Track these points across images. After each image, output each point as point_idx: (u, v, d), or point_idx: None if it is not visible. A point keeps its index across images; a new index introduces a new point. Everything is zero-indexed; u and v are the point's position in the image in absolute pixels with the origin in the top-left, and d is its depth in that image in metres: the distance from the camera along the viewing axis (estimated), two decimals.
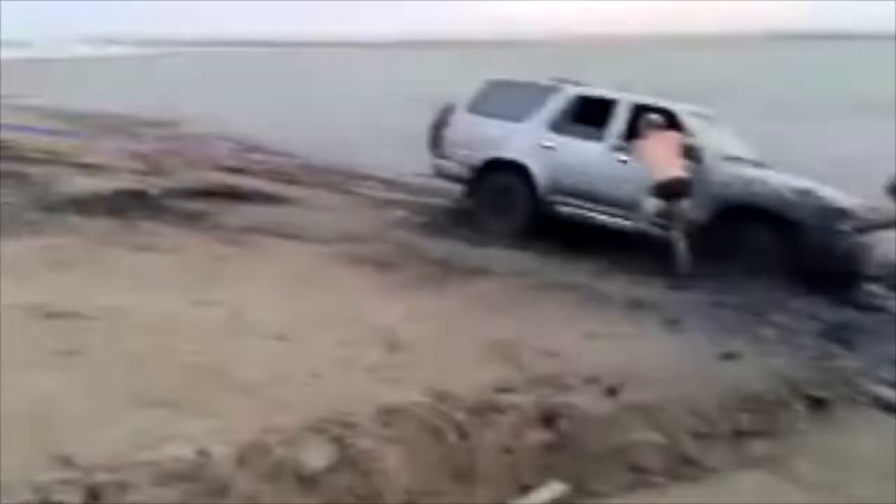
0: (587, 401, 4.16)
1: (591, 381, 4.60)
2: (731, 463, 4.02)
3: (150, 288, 5.99)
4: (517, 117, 9.51)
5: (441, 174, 10.21)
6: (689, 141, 8.35)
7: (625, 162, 8.75)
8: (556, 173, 9.13)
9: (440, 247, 8.40)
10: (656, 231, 8.37)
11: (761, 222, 7.90)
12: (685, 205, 8.12)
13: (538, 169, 9.22)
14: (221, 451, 3.20)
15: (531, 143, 9.33)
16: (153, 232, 7.86)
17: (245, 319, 5.43)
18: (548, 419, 3.94)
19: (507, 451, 3.74)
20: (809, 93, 27.13)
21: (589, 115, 9.17)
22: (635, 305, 6.79)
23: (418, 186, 12.08)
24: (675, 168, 8.17)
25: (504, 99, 9.72)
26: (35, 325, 4.99)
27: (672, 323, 6.36)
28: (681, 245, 8.03)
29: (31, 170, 10.63)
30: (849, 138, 16.10)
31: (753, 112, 17.32)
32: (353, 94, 28.68)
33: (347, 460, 3.48)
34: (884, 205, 7.89)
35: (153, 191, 9.83)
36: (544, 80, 9.92)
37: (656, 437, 4.02)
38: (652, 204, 8.27)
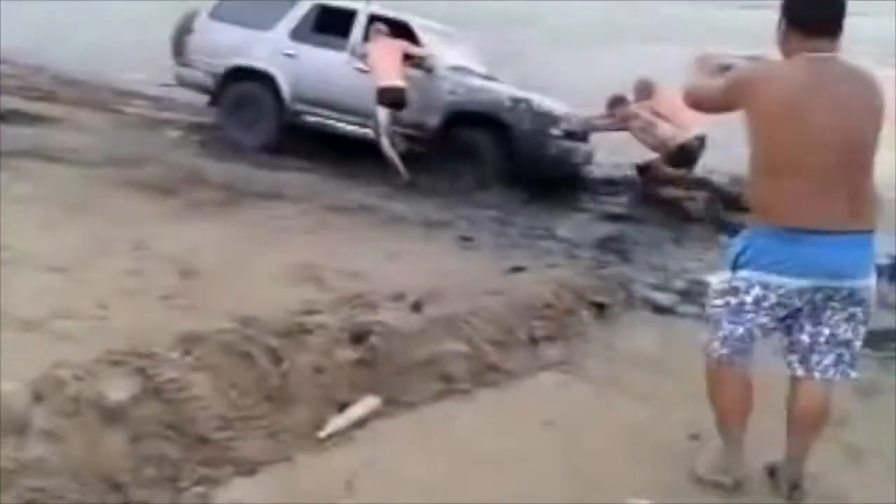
0: (394, 317, 4.20)
1: (396, 298, 4.67)
2: (529, 367, 4.27)
3: None
4: (261, 25, 9.51)
5: (184, 83, 10.12)
6: (415, 50, 8.86)
7: (365, 71, 8.99)
8: (301, 82, 9.25)
9: (223, 169, 8.06)
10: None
11: (482, 126, 8.62)
12: (403, 113, 8.66)
13: (282, 77, 9.29)
14: (11, 388, 2.92)
15: (275, 51, 9.38)
16: None
17: (14, 251, 4.92)
18: (357, 337, 3.95)
19: (320, 370, 3.72)
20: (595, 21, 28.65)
21: (331, 25, 9.37)
22: (430, 224, 6.94)
23: (196, 105, 11.40)
24: (393, 76, 8.58)
25: (248, 6, 9.64)
26: None
27: (468, 240, 6.59)
28: (389, 152, 8.64)
29: None
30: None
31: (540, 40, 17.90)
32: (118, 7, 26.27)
33: (152, 391, 3.29)
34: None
35: None
36: None
37: (461, 347, 4.16)
38: (381, 112, 8.64)
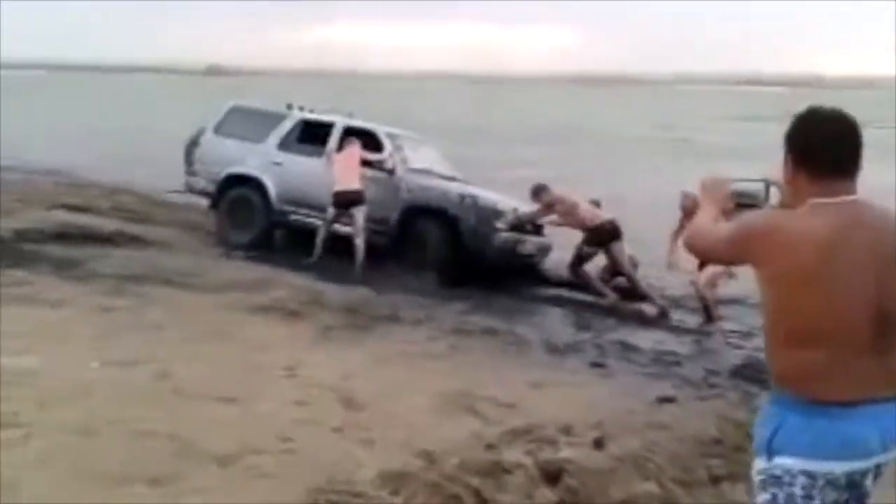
0: (579, 454, 4.16)
1: (565, 431, 4.63)
2: None
3: (50, 347, 5.41)
4: (255, 138, 10.89)
5: (192, 190, 11.53)
6: (372, 156, 10.02)
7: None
8: (285, 186, 10.54)
9: (339, 291, 8.20)
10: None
11: (432, 219, 9.73)
12: (359, 212, 9.63)
13: (270, 182, 10.59)
14: None
15: (264, 160, 10.71)
16: (25, 282, 7.12)
17: (176, 380, 5.01)
18: (551, 476, 3.91)
19: None
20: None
21: (312, 136, 10.71)
22: (556, 349, 6.95)
23: None
24: (348, 181, 9.69)
25: (244, 122, 11.12)
26: None
27: (599, 365, 6.57)
28: (319, 240, 9.78)
29: None
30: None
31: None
32: (154, 121, 27.52)
33: None
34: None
35: (7, 235, 8.87)
36: (277, 107, 11.38)
37: (651, 488, 4.08)
38: (329, 211, 9.78)
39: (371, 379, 5.47)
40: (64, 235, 9.52)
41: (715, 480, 4.43)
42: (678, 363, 6.96)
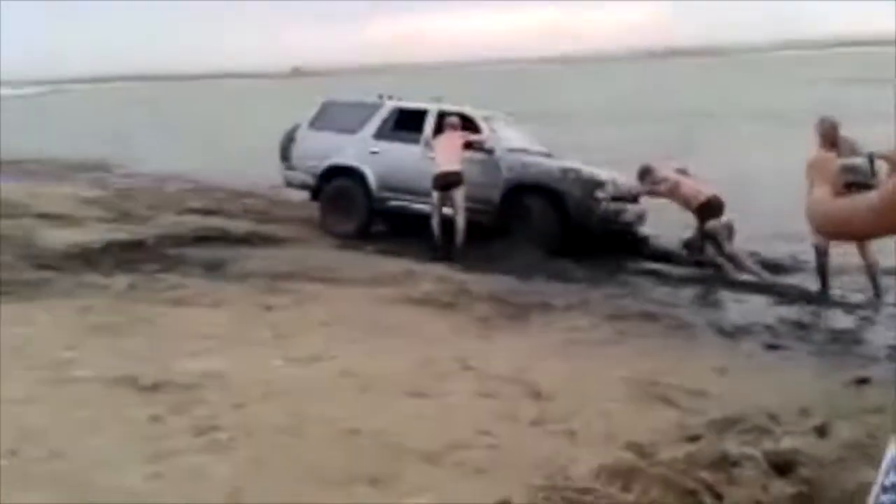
0: (805, 443, 3.93)
1: (773, 419, 4.39)
2: None
3: (227, 347, 5.47)
4: (350, 130, 11.14)
5: (291, 184, 11.88)
6: (473, 137, 10.18)
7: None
8: (384, 174, 10.76)
9: (482, 280, 8.11)
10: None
11: (536, 194, 9.95)
12: (458, 193, 9.77)
13: (369, 171, 10.83)
14: None
15: (362, 150, 10.95)
16: (179, 285, 7.29)
17: (360, 375, 4.99)
18: (782, 468, 3.69)
19: None
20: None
21: (407, 123, 10.91)
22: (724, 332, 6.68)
23: None
24: (449, 163, 9.80)
25: (338, 115, 11.43)
26: (135, 401, 4.43)
27: (775, 347, 6.26)
28: (435, 229, 9.89)
29: None
30: None
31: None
32: (253, 124, 28.08)
33: None
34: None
35: (149, 240, 9.14)
36: (370, 98, 11.62)
37: None
38: (434, 195, 9.90)
39: (548, 369, 5.32)
40: (202, 238, 9.75)
41: None
42: (857, 341, 6.57)
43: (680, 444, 4.12)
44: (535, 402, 4.72)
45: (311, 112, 11.69)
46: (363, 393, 4.72)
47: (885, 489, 2.04)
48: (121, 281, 7.25)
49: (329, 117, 11.50)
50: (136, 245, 8.90)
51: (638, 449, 4.01)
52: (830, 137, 7.64)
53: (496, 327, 6.48)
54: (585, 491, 3.46)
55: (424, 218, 10.14)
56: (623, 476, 3.56)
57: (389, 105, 11.28)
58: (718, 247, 9.32)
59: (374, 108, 11.32)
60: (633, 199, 10.33)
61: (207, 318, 6.31)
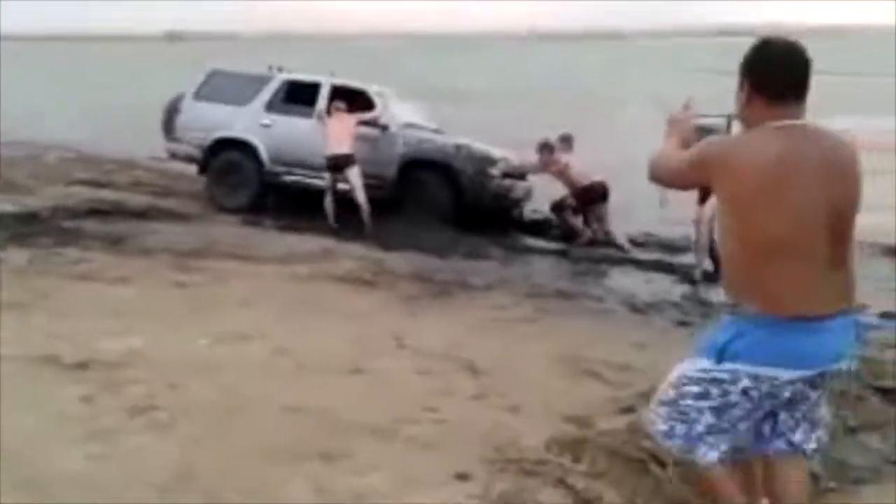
0: None
1: None
2: None
3: (145, 325, 5.30)
4: (239, 101, 10.93)
5: (174, 156, 11.62)
6: (366, 116, 10.30)
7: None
8: (276, 147, 10.68)
9: (400, 259, 8.14)
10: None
11: (430, 170, 10.18)
12: (353, 172, 9.96)
13: (261, 144, 10.70)
14: None
15: (253, 122, 10.80)
16: (83, 259, 6.99)
17: (293, 353, 4.95)
18: None
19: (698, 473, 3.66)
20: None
21: (299, 96, 10.84)
22: (637, 308, 6.95)
23: None
24: (339, 145, 9.96)
25: (227, 86, 11.16)
26: (62, 380, 4.26)
27: (685, 324, 6.58)
28: (328, 207, 10.02)
29: None
30: None
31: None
32: (128, 92, 26.98)
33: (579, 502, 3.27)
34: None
35: (42, 213, 8.67)
36: (259, 69, 11.43)
37: None
38: (326, 176, 10.09)
39: (478, 346, 5.41)
40: (97, 211, 9.34)
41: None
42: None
43: (616, 416, 4.30)
44: (473, 377, 4.81)
45: (196, 81, 11.37)
46: (299, 371, 4.69)
47: (662, 402, 2.74)
48: (17, 255, 6.87)
49: (216, 88, 11.21)
50: (29, 217, 8.43)
51: (578, 421, 4.17)
52: None
53: (421, 305, 6.52)
54: (539, 462, 3.58)
55: (319, 193, 10.20)
56: (572, 448, 3.70)
57: (281, 77, 11.14)
58: (600, 223, 10.01)
59: (265, 79, 11.15)
60: (522, 176, 10.71)
61: (116, 294, 6.07)
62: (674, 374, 2.72)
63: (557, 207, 10.48)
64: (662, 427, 2.71)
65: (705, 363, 2.57)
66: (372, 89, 10.90)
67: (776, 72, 2.50)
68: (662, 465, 3.64)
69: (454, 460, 3.63)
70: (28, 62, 47.03)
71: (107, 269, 6.75)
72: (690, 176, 2.67)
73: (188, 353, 4.83)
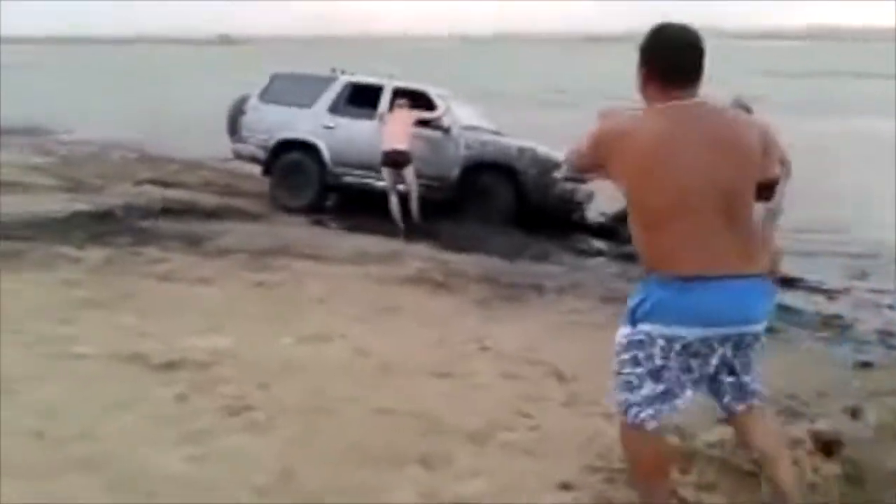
0: (841, 425, 4.03)
1: (795, 399, 4.50)
2: None
3: (229, 325, 5.31)
4: (303, 103, 11.09)
5: (240, 157, 11.78)
6: (427, 115, 10.33)
7: None
8: (339, 148, 10.79)
9: (469, 261, 8.08)
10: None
11: (493, 173, 10.21)
12: (408, 171, 9.94)
13: (324, 145, 10.83)
14: None
15: (316, 124, 10.95)
16: (163, 259, 7.05)
17: (375, 354, 4.91)
18: (828, 450, 3.76)
19: (812, 486, 3.53)
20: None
21: (362, 98, 10.99)
22: None
23: None
24: (395, 141, 9.90)
25: (291, 88, 11.35)
26: (153, 380, 4.27)
27: (772, 331, 6.37)
28: (393, 208, 10.01)
29: None
30: None
31: None
32: (187, 92, 27.40)
33: None
34: None
35: (117, 211, 8.80)
36: (323, 72, 11.57)
37: None
38: (385, 172, 10.04)
39: (560, 350, 5.30)
40: (169, 211, 9.46)
41: None
42: (848, 326, 6.76)
43: (716, 426, 4.16)
44: (561, 383, 4.71)
45: (258, 83, 11.56)
46: (384, 373, 4.64)
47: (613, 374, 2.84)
48: (96, 254, 6.96)
49: (280, 90, 11.38)
50: (103, 216, 8.58)
51: (677, 431, 4.04)
52: None
53: (495, 308, 6.44)
54: None
55: (379, 194, 10.26)
56: (678, 458, 3.58)
57: (343, 79, 11.28)
58: None
59: (328, 81, 11.30)
60: (583, 179, 10.37)
61: (199, 294, 6.11)
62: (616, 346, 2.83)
63: (621, 218, 10.15)
64: (617, 397, 2.82)
65: (626, 329, 2.72)
66: (433, 91, 10.97)
67: (666, 56, 2.65)
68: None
69: (555, 468, 3.54)
70: (81, 62, 48.30)
71: (188, 268, 6.80)
72: (591, 158, 2.78)
73: (273, 352, 4.82)
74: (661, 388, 2.70)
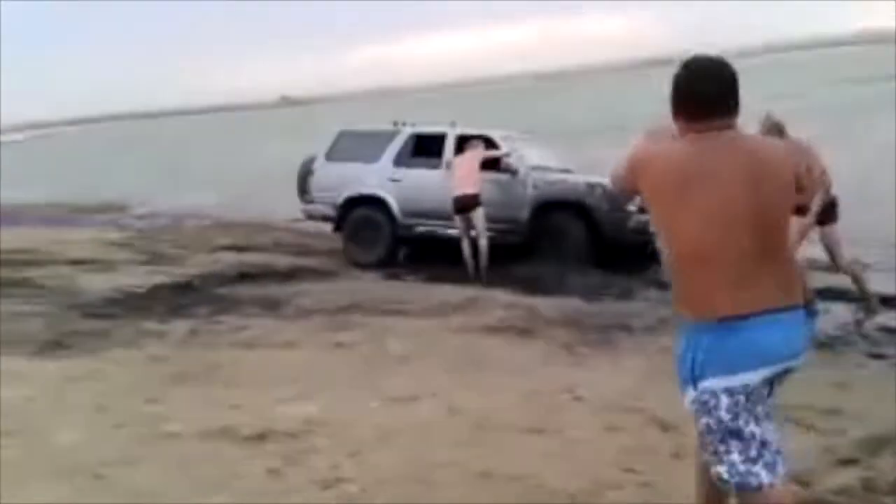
0: None
1: None
2: None
3: (315, 390, 5.23)
4: (368, 159, 11.17)
5: (311, 217, 11.91)
6: (495, 154, 10.33)
7: None
8: (407, 200, 10.85)
9: (546, 304, 7.90)
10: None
11: (565, 211, 10.13)
12: (477, 215, 9.80)
13: (392, 198, 10.89)
14: None
15: (383, 178, 11.03)
16: (243, 326, 7.07)
17: (467, 412, 4.77)
18: None
19: None
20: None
21: (426, 148, 11.00)
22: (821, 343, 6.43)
23: None
24: (465, 186, 9.81)
25: (355, 144, 11.45)
26: (243, 454, 4.20)
27: (880, 357, 6.04)
28: (466, 253, 9.86)
29: (30, 273, 9.48)
30: None
31: None
32: (252, 156, 27.95)
33: None
34: None
35: (195, 281, 8.92)
36: (385, 125, 11.70)
37: None
38: (456, 220, 9.95)
39: (658, 396, 5.00)
40: (246, 276, 9.57)
41: None
42: None
43: (837, 469, 3.90)
44: (664, 432, 4.48)
45: (324, 143, 11.68)
46: (479, 431, 4.48)
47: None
48: (179, 326, 7.02)
49: (345, 147, 11.51)
50: (183, 287, 8.70)
51: (796, 477, 3.77)
52: (773, 134, 7.39)
53: (583, 353, 6.24)
54: None
55: (450, 241, 10.23)
56: None
57: (407, 131, 11.34)
58: None
59: (392, 135, 11.38)
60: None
61: (283, 359, 6.08)
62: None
63: None
64: (716, 471, 2.55)
65: (691, 393, 2.54)
66: (496, 134, 10.94)
67: (691, 89, 2.57)
68: None
69: None
70: (146, 136, 49.99)
71: (269, 334, 6.82)
72: (628, 179, 2.69)
73: (363, 417, 4.72)
74: (748, 441, 2.49)
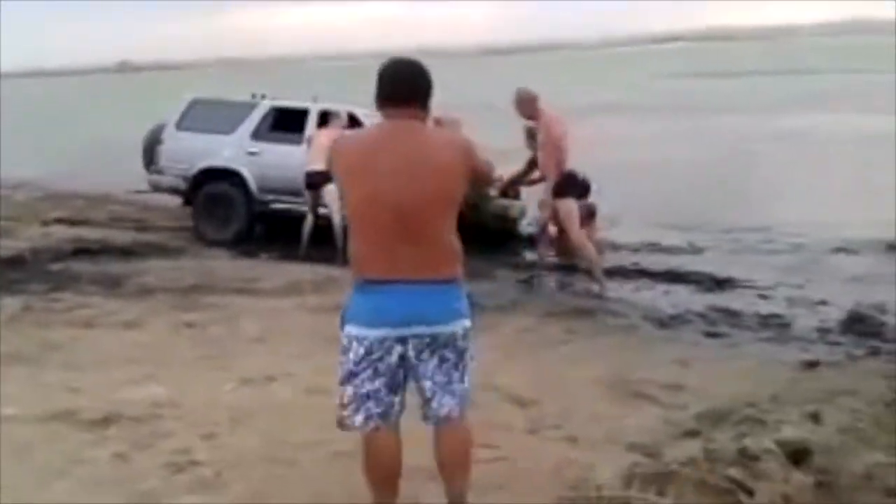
0: (807, 432, 4.02)
1: (755, 407, 4.49)
2: None
3: (163, 371, 5.05)
4: (224, 130, 10.73)
5: (158, 188, 11.28)
6: (347, 133, 9.82)
7: None
8: (265, 175, 10.49)
9: None
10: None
11: None
12: (328, 192, 9.18)
13: (248, 172, 10.51)
14: None
15: (239, 151, 10.62)
16: (81, 304, 6.71)
17: (327, 392, 4.54)
18: (798, 458, 3.75)
19: (787, 498, 3.50)
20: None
21: (287, 123, 10.72)
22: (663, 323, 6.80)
23: None
24: (315, 162, 9.22)
25: (209, 115, 10.95)
26: (86, 439, 4.00)
27: (715, 335, 6.45)
28: (305, 228, 9.67)
29: None
30: None
31: None
32: (87, 123, 26.53)
33: None
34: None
35: (26, 255, 8.34)
36: (242, 97, 11.34)
37: (880, 458, 3.95)
38: (306, 196, 9.72)
39: (512, 372, 5.20)
40: (82, 251, 9.03)
41: None
42: (787, 325, 6.85)
43: (681, 441, 4.13)
44: (521, 409, 4.61)
45: (175, 112, 11.04)
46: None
47: None
48: (11, 303, 6.55)
49: (198, 116, 10.96)
50: (14, 261, 8.09)
51: (643, 449, 3.98)
52: (528, 110, 7.95)
53: None
54: (624, 500, 3.39)
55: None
56: (655, 481, 3.51)
57: (266, 104, 10.97)
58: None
59: (250, 107, 10.96)
60: (516, 195, 10.45)
61: (126, 339, 5.81)
62: None
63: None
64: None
65: (341, 332, 3.00)
66: (360, 112, 10.59)
67: (382, 83, 3.01)
68: (750, 493, 3.49)
69: (527, 501, 3.43)
70: None
71: (109, 313, 6.46)
72: (328, 166, 3.13)
73: (217, 398, 4.58)
74: (364, 388, 2.91)
